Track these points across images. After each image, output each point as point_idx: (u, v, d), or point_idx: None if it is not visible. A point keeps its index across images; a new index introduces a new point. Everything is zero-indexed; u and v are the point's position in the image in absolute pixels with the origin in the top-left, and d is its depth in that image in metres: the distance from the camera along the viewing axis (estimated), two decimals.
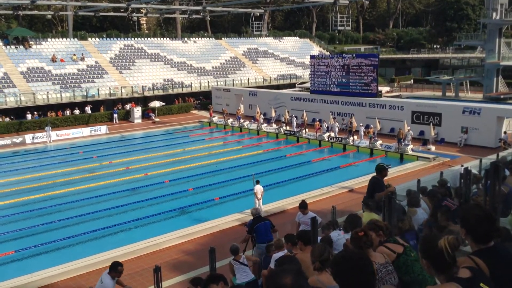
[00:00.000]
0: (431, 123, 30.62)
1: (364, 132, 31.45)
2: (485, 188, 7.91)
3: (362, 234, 4.54)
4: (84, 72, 47.57)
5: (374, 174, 9.81)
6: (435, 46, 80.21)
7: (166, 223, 18.28)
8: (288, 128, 35.91)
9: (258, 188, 18.14)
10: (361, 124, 32.09)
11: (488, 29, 49.75)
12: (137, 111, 43.96)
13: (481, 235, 3.42)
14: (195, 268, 13.31)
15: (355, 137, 31.54)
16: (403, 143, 28.44)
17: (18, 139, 35.26)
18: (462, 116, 30.10)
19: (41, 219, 18.85)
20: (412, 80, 64.94)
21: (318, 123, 33.93)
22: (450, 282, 3.09)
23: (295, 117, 36.85)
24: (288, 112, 37.35)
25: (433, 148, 28.87)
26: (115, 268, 9.04)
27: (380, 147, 29.50)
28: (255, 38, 68.40)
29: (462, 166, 14.33)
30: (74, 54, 48.79)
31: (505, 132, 29.20)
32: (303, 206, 11.67)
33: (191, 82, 52.42)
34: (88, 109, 43.53)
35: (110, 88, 46.35)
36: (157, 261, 13.08)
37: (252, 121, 39.40)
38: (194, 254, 14.70)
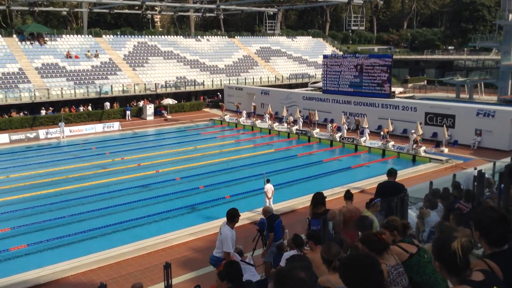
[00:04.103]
0: (444, 125, 30.35)
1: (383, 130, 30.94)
2: (499, 191, 7.84)
3: (382, 237, 4.46)
4: (98, 69, 47.92)
5: (385, 175, 9.95)
6: (449, 47, 79.51)
7: (177, 220, 18.35)
8: (297, 127, 35.86)
9: (269, 187, 18.14)
10: (366, 126, 31.75)
11: (504, 31, 49.22)
12: (150, 108, 44.21)
13: (495, 238, 3.37)
14: (205, 266, 13.32)
15: (367, 136, 31.33)
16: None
17: (32, 134, 35.65)
18: (476, 118, 29.78)
19: (53, 213, 19.06)
20: (425, 81, 64.47)
21: (336, 124, 33.77)
22: (462, 285, 3.06)
23: (306, 117, 36.77)
24: (300, 111, 37.25)
25: (446, 150, 28.61)
26: (234, 218, 8.96)
27: (393, 148, 29.31)
28: (268, 37, 68.34)
29: (475, 168, 14.18)
30: (88, 51, 49.16)
31: None
32: None
33: (203, 80, 52.56)
34: (107, 104, 44.37)
35: (123, 85, 46.65)
36: (167, 257, 13.12)
37: (264, 119, 39.35)
38: (204, 252, 14.71)
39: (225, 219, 9.30)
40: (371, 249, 4.40)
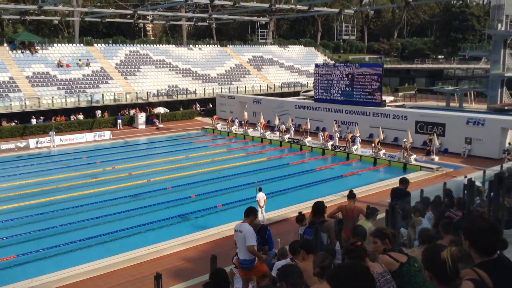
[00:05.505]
0: (434, 133, 30.55)
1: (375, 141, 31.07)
2: (489, 199, 7.88)
3: (357, 245, 4.51)
4: (89, 78, 47.77)
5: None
6: (439, 56, 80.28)
7: (168, 230, 18.25)
8: (289, 135, 35.93)
9: (261, 196, 18.11)
10: (358, 134, 31.90)
11: (493, 40, 49.84)
12: (141, 117, 44.10)
13: (485, 247, 3.38)
14: (196, 276, 13.26)
15: (359, 145, 31.46)
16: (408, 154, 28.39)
17: (22, 144, 35.37)
18: (466, 126, 30.02)
19: (43, 224, 18.86)
20: (416, 90, 64.98)
21: (327, 133, 33.84)
22: None
23: (298, 125, 36.86)
24: (292, 120, 37.35)
25: (436, 158, 28.78)
26: (251, 213, 8.61)
27: (384, 156, 29.42)
28: (260, 46, 68.62)
29: (465, 177, 14.27)
30: (80, 60, 49.04)
31: (510, 143, 29.07)
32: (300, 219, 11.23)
33: (195, 89, 52.55)
34: (99, 112, 44.18)
35: (114, 93, 46.52)
36: (158, 268, 13.03)
37: (256, 128, 39.37)
38: (195, 261, 14.65)
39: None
40: (351, 258, 4.41)
